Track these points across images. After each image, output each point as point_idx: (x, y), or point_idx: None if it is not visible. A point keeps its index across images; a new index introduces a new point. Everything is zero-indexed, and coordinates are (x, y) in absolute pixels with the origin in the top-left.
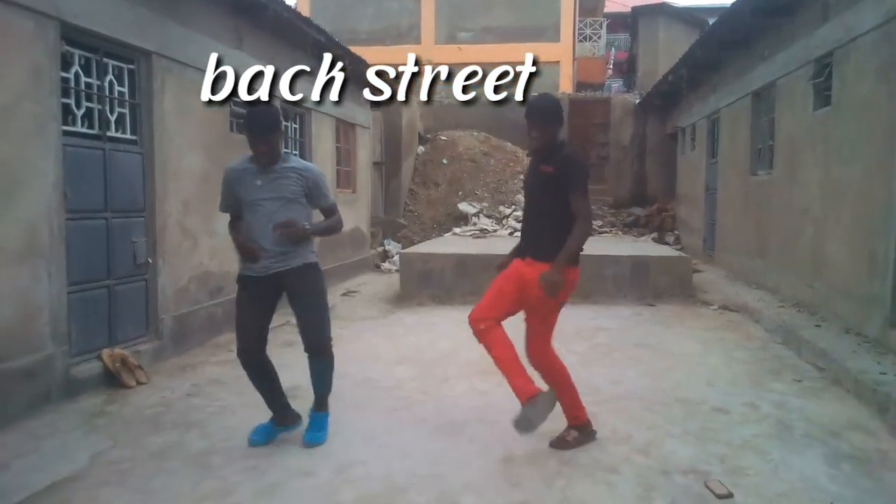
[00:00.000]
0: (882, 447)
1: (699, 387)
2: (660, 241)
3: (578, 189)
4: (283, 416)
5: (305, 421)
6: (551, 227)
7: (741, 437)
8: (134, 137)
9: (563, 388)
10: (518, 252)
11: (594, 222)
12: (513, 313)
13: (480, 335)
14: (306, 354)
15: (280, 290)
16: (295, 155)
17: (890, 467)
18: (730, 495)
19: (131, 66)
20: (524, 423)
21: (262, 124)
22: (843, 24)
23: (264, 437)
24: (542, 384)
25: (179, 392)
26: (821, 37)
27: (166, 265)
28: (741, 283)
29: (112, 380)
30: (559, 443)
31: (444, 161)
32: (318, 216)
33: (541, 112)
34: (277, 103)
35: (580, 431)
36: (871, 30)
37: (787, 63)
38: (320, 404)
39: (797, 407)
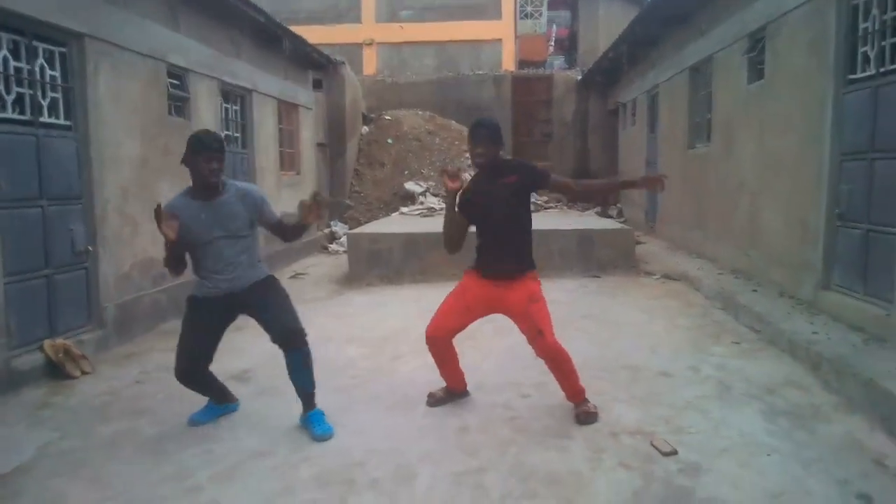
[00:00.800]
0: (815, 402)
1: (644, 353)
2: (603, 214)
3: (548, 176)
4: (222, 396)
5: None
6: (525, 239)
7: (684, 399)
8: (68, 123)
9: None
10: (482, 273)
11: (540, 198)
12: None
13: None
14: (282, 351)
15: (234, 311)
16: (234, 147)
17: (822, 420)
18: (674, 452)
19: (63, 50)
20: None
21: (215, 140)
22: None
23: (206, 416)
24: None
25: (127, 380)
26: (755, 11)
27: (107, 252)
28: (682, 253)
29: (55, 371)
30: (585, 416)
31: (390, 141)
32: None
33: (487, 132)
34: (215, 84)
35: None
36: (802, 4)
37: (722, 37)
38: (310, 403)
39: (736, 368)
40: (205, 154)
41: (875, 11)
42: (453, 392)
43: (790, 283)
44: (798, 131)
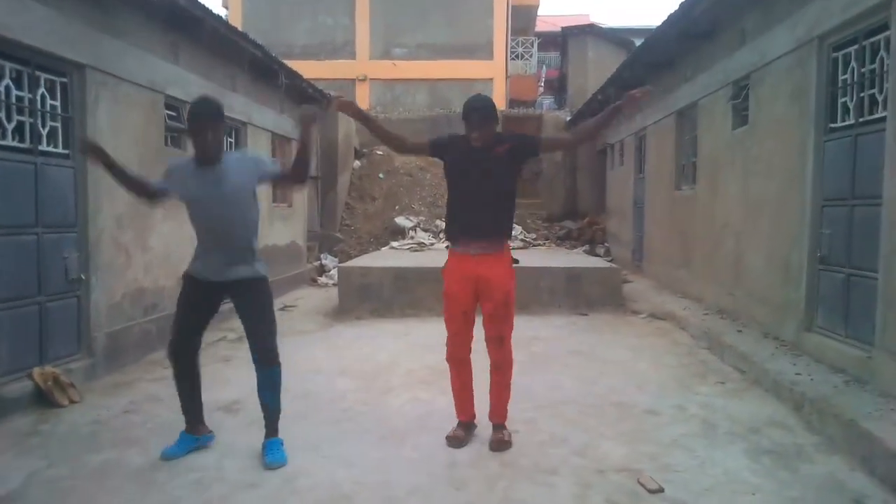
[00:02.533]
0: (798, 441)
1: (630, 391)
2: (591, 253)
3: (540, 137)
4: (196, 423)
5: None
6: (509, 207)
7: (670, 437)
8: (66, 151)
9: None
10: (455, 240)
11: (529, 235)
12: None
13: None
14: (255, 368)
15: (223, 297)
16: None
17: (805, 459)
18: (661, 490)
19: (64, 80)
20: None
21: (207, 110)
22: (759, 48)
23: (180, 449)
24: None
25: (116, 410)
26: (738, 60)
27: (99, 281)
28: (668, 292)
29: (43, 399)
30: (499, 444)
31: (381, 175)
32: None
33: (481, 112)
34: None
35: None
36: (784, 55)
37: (707, 84)
38: (272, 428)
39: (721, 407)
40: (195, 125)
41: (854, 64)
42: (469, 424)
43: (774, 323)
44: (781, 176)
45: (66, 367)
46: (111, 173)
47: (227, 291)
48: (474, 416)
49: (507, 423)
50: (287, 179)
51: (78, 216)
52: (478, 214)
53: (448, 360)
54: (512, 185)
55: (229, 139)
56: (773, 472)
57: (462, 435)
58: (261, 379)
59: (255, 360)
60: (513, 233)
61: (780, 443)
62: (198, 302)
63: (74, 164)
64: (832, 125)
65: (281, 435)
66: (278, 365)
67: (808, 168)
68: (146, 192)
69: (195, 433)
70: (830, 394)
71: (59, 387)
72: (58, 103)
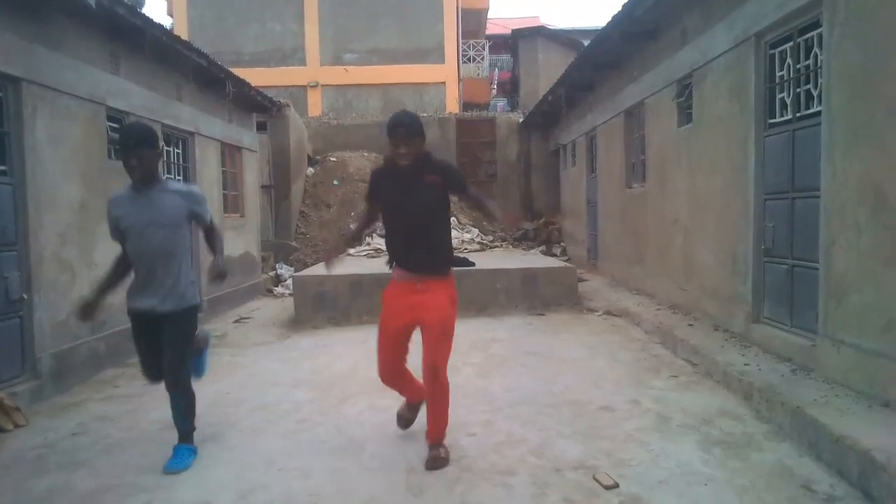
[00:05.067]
0: (748, 430)
1: (586, 388)
2: (547, 253)
3: (466, 185)
4: (188, 433)
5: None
6: (443, 239)
7: (625, 432)
8: (3, 167)
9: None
10: (398, 265)
11: (485, 237)
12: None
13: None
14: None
15: (162, 324)
16: (178, 180)
17: (755, 448)
18: (616, 486)
19: None
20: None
21: (132, 137)
22: (699, 48)
23: (185, 460)
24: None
25: (63, 432)
26: (681, 59)
27: (43, 300)
28: (623, 289)
29: None
30: (434, 461)
31: (336, 182)
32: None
33: (407, 127)
34: (157, 127)
35: (444, 446)
36: (724, 53)
37: (653, 83)
38: (182, 437)
39: (674, 400)
40: (122, 152)
41: (789, 60)
42: (415, 404)
43: (723, 316)
44: (725, 171)
45: (10, 391)
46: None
47: (156, 321)
48: (422, 400)
49: (445, 439)
50: (207, 236)
51: (18, 234)
52: (414, 243)
53: (381, 378)
54: (445, 212)
55: (177, 150)
56: (725, 462)
57: (408, 415)
58: (171, 403)
59: (165, 385)
60: (451, 256)
61: (730, 433)
62: (146, 335)
63: (12, 181)
64: (771, 121)
65: (235, 449)
66: (179, 392)
67: (750, 163)
68: (126, 263)
69: (189, 442)
70: (778, 383)
71: (2, 411)
72: None
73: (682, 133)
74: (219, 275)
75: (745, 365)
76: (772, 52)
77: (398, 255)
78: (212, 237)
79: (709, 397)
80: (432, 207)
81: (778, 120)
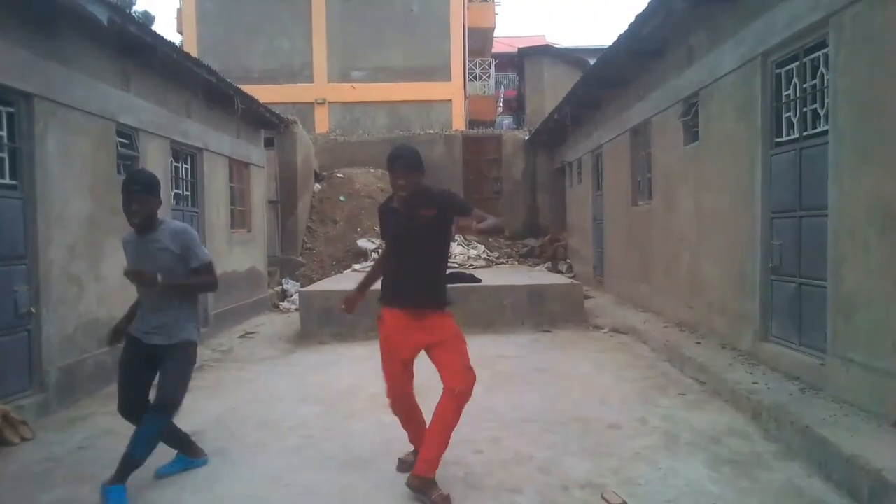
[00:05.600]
0: (756, 450)
1: (594, 406)
2: (553, 269)
3: (470, 209)
4: (185, 447)
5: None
6: (438, 275)
7: (632, 450)
8: (14, 182)
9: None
10: (391, 302)
11: (491, 254)
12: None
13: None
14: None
15: (154, 357)
16: (186, 195)
17: (764, 467)
18: None
19: (10, 109)
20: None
21: (134, 183)
22: (706, 66)
23: (174, 468)
24: None
25: (69, 446)
26: (687, 78)
27: (51, 314)
28: (629, 306)
29: None
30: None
31: (342, 198)
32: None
33: (407, 160)
34: (166, 143)
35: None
36: (730, 72)
37: (659, 102)
38: (118, 473)
39: (682, 418)
40: (123, 198)
41: (796, 80)
42: None
43: (731, 334)
44: (731, 190)
45: (17, 404)
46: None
47: (155, 355)
48: None
49: (430, 462)
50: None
51: (27, 248)
52: (411, 280)
53: (392, 407)
54: (443, 247)
55: (185, 166)
56: (734, 481)
57: (411, 461)
58: (143, 421)
59: (152, 404)
60: (445, 290)
61: (739, 451)
62: (135, 360)
63: (23, 195)
64: (778, 139)
65: (241, 465)
66: (166, 417)
67: (756, 181)
68: None
69: (195, 456)
70: (786, 402)
71: (9, 424)
72: (4, 133)
73: (688, 151)
74: (141, 276)
75: (754, 383)
76: (778, 71)
77: (395, 287)
78: (196, 277)
79: (717, 416)
80: (427, 242)
81: (785, 139)
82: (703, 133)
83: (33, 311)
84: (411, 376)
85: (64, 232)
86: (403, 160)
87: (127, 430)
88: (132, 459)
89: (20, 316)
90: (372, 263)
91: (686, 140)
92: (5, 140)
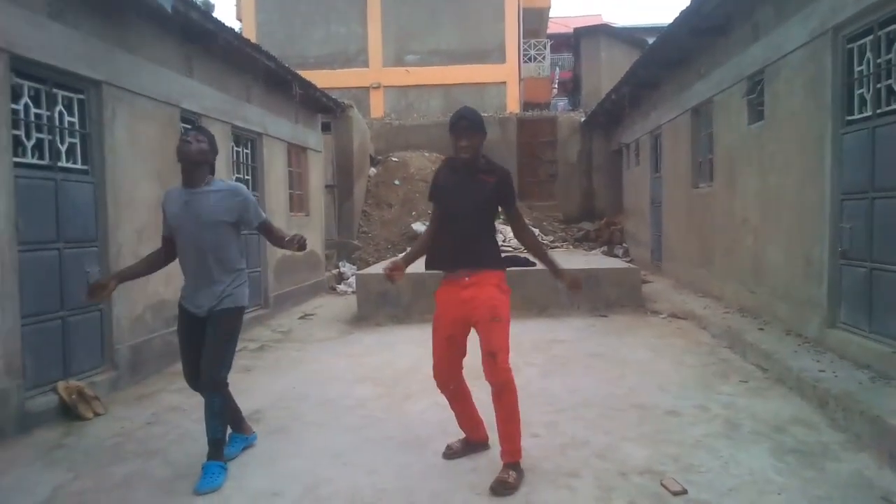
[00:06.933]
0: (823, 440)
1: (652, 392)
2: (609, 253)
3: (515, 202)
4: (239, 426)
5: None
6: (492, 239)
7: (693, 437)
8: (85, 167)
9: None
10: (436, 265)
11: (545, 237)
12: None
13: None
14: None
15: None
16: (247, 179)
17: (831, 458)
18: (684, 492)
19: (81, 96)
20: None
21: (182, 142)
22: (773, 42)
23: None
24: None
25: (139, 421)
26: (752, 55)
27: (121, 295)
28: (688, 291)
29: (68, 412)
30: (500, 485)
31: (397, 182)
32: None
33: (469, 122)
34: (227, 129)
35: (517, 469)
36: (799, 47)
37: (722, 80)
38: (212, 451)
39: (744, 406)
40: (178, 154)
41: (869, 55)
42: (472, 443)
43: (796, 320)
44: (799, 170)
45: (90, 380)
46: (130, 279)
47: (202, 321)
48: (480, 439)
49: (521, 458)
50: (265, 234)
51: (98, 230)
52: (462, 239)
53: (437, 382)
54: (491, 217)
55: (245, 150)
56: (799, 471)
57: (457, 448)
58: (204, 403)
59: (202, 385)
60: (498, 254)
61: (805, 441)
62: (190, 331)
63: (94, 180)
64: (849, 117)
65: (302, 443)
66: (217, 393)
67: (826, 162)
68: (164, 258)
69: (244, 433)
70: (856, 390)
71: (83, 400)
72: (75, 119)
73: (752, 131)
74: (297, 242)
75: (821, 371)
76: (850, 46)
77: (444, 252)
78: (270, 237)
79: (781, 404)
80: (481, 205)
81: (857, 117)
82: (769, 112)
83: None
84: (459, 355)
85: (132, 216)
86: (466, 120)
87: (192, 406)
88: (214, 438)
89: None
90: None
91: (750, 119)
92: (77, 126)
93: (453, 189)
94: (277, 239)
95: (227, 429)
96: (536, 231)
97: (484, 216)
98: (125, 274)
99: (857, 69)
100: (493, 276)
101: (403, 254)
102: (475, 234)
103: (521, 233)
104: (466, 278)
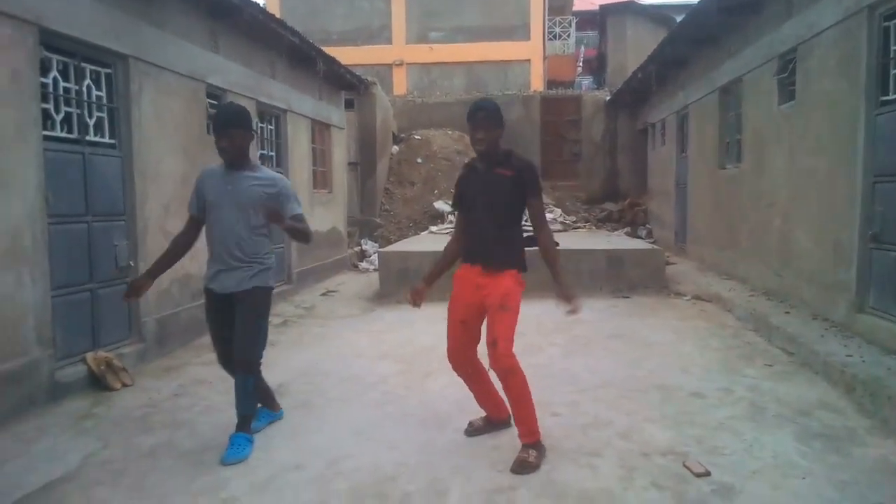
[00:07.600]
0: (849, 424)
1: (675, 373)
2: (633, 234)
3: (539, 195)
4: (267, 398)
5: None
6: (512, 234)
7: (716, 420)
8: (113, 141)
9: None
10: (462, 259)
11: (568, 217)
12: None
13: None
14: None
15: (233, 305)
16: (271, 155)
17: (857, 443)
18: (707, 474)
19: (108, 71)
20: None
21: (222, 118)
22: (806, 20)
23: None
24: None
25: (166, 393)
26: (784, 33)
27: (148, 268)
28: (713, 273)
29: (97, 383)
30: (520, 465)
31: (419, 160)
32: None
33: (487, 113)
34: (252, 104)
35: (537, 448)
36: (832, 26)
37: (752, 59)
38: (239, 425)
39: (769, 389)
40: (214, 133)
41: None
42: (493, 422)
43: (823, 304)
44: (830, 152)
45: (119, 352)
46: (161, 274)
47: (230, 301)
48: (502, 418)
49: (539, 437)
50: (291, 231)
51: (126, 205)
52: (483, 236)
53: (451, 364)
54: (515, 211)
55: (270, 127)
56: (824, 456)
57: (479, 426)
58: (235, 383)
59: (234, 365)
60: (522, 257)
61: (830, 426)
62: (218, 313)
63: (121, 154)
64: (884, 98)
65: (324, 418)
66: (250, 375)
67: (858, 143)
68: (188, 242)
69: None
70: (884, 376)
71: (111, 371)
72: (103, 94)
73: (783, 111)
74: (273, 213)
75: (848, 356)
76: (886, 24)
77: (468, 249)
78: (294, 233)
79: (807, 388)
80: (498, 201)
81: (891, 97)
82: (801, 91)
83: (132, 264)
84: (473, 340)
85: (159, 190)
86: (483, 111)
87: (219, 379)
88: (243, 413)
89: (121, 269)
90: (448, 225)
91: (781, 99)
92: (104, 100)
93: (471, 188)
94: (295, 230)
95: (256, 406)
96: (559, 211)
97: (502, 212)
98: (155, 270)
99: (892, 48)
100: (510, 270)
101: (426, 274)
102: (493, 232)
103: (537, 232)
104: (484, 272)
